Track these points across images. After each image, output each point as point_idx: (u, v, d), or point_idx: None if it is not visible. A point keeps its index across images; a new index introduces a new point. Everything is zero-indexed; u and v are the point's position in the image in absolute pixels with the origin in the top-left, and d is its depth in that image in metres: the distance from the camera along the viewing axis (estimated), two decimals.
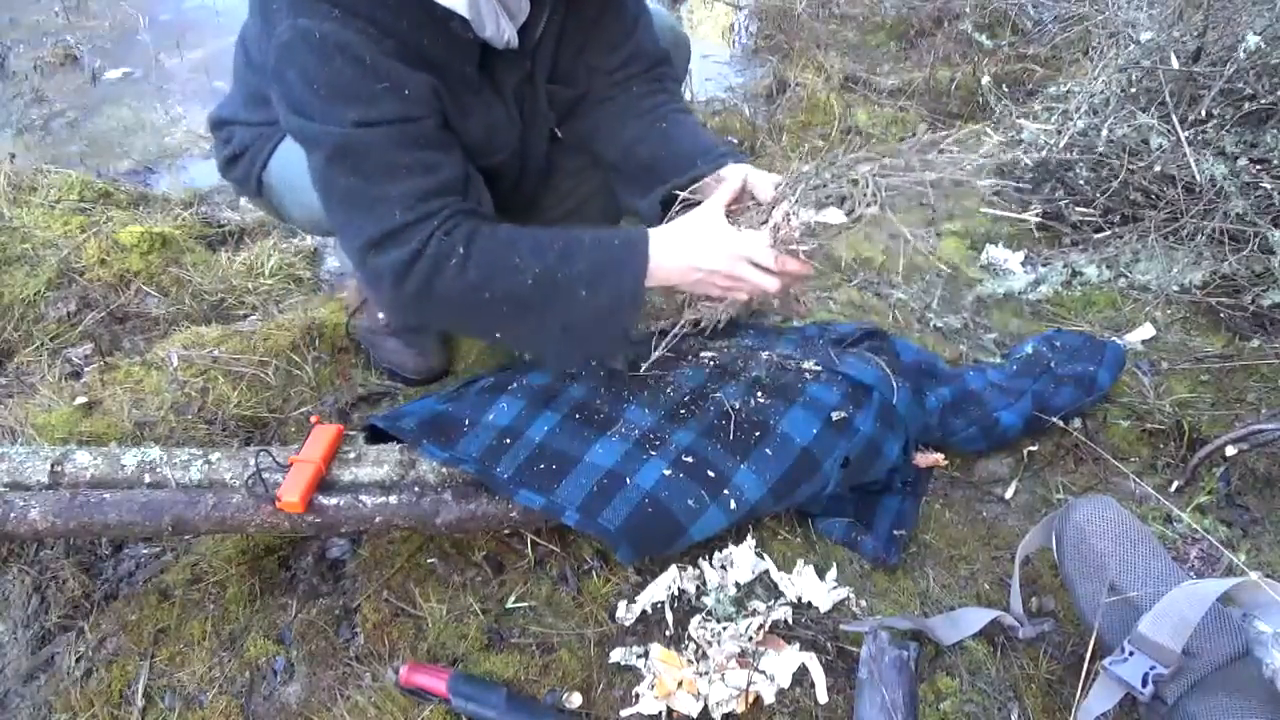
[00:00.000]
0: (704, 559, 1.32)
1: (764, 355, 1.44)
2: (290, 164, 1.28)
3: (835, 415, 1.32)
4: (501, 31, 1.16)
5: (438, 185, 1.13)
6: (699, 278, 1.19)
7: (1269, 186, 1.91)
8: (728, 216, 1.19)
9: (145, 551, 1.37)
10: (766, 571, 1.32)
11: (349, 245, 1.17)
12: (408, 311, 1.22)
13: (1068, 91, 2.46)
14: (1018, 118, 2.45)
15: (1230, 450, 1.45)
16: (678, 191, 1.27)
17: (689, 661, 1.20)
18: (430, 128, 1.14)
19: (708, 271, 1.17)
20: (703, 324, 1.37)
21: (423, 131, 1.13)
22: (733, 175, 1.23)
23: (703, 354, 1.46)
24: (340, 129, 1.08)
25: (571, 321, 1.19)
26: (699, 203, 1.22)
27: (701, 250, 1.17)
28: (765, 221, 1.17)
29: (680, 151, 1.33)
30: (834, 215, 1.12)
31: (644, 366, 1.36)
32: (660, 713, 1.15)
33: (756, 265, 1.16)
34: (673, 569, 1.30)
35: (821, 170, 1.13)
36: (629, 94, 1.39)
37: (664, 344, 1.35)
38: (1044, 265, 2.06)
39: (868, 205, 1.10)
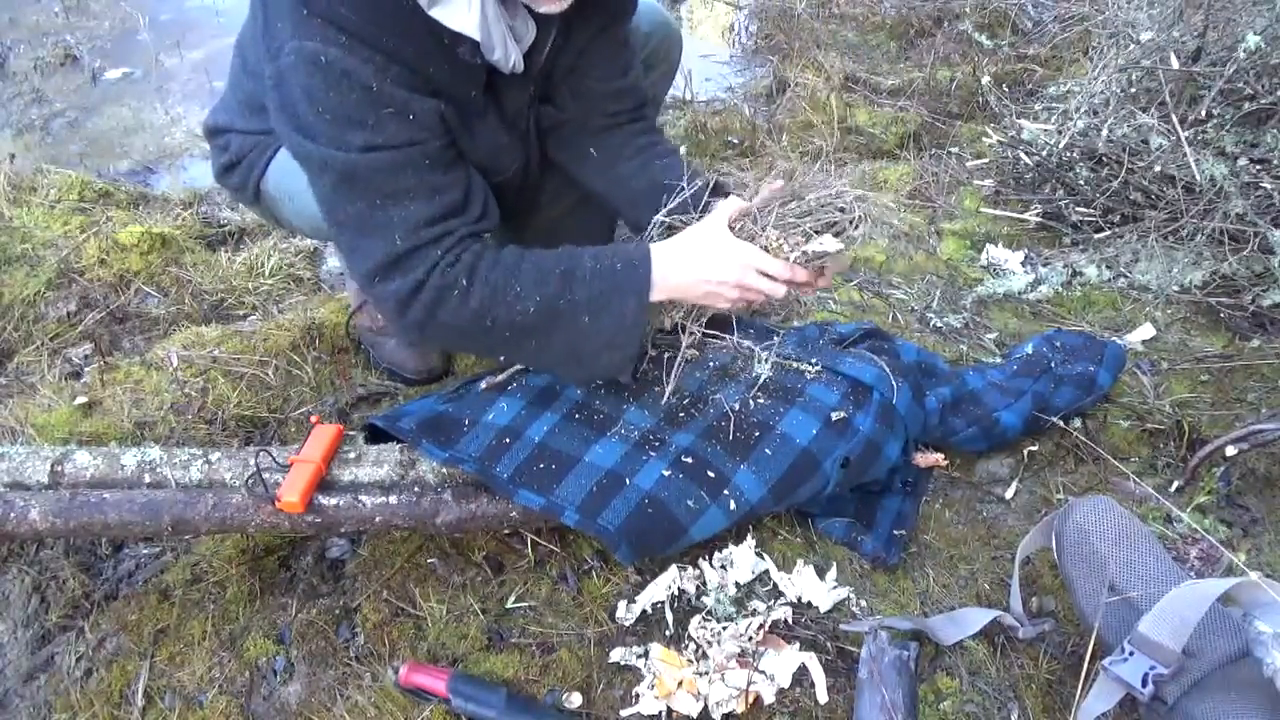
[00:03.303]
0: (704, 559, 1.32)
1: (763, 355, 1.44)
2: (288, 172, 1.27)
3: (835, 415, 1.32)
4: (508, 55, 1.16)
5: (441, 210, 1.14)
6: (709, 290, 1.20)
7: (1269, 186, 1.91)
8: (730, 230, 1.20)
9: (145, 551, 1.38)
10: (766, 571, 1.32)
11: (355, 270, 1.18)
12: (412, 335, 1.24)
13: (1068, 91, 2.47)
14: (1018, 118, 2.46)
15: (1230, 450, 1.45)
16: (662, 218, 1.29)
17: (689, 661, 1.20)
18: (436, 148, 1.14)
19: (718, 283, 1.18)
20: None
21: (428, 153, 1.13)
22: (726, 201, 1.25)
23: (703, 354, 1.46)
24: (345, 154, 1.08)
25: (576, 345, 1.20)
26: (683, 226, 1.24)
27: (710, 263, 1.17)
28: (757, 239, 1.19)
29: (673, 187, 1.33)
30: (831, 244, 1.16)
31: (639, 369, 1.37)
32: (660, 713, 1.15)
33: (765, 274, 1.17)
34: (673, 569, 1.30)
35: (804, 195, 1.19)
36: (621, 130, 1.40)
37: (674, 371, 1.35)
38: (1044, 265, 2.06)
39: (856, 228, 1.16)
